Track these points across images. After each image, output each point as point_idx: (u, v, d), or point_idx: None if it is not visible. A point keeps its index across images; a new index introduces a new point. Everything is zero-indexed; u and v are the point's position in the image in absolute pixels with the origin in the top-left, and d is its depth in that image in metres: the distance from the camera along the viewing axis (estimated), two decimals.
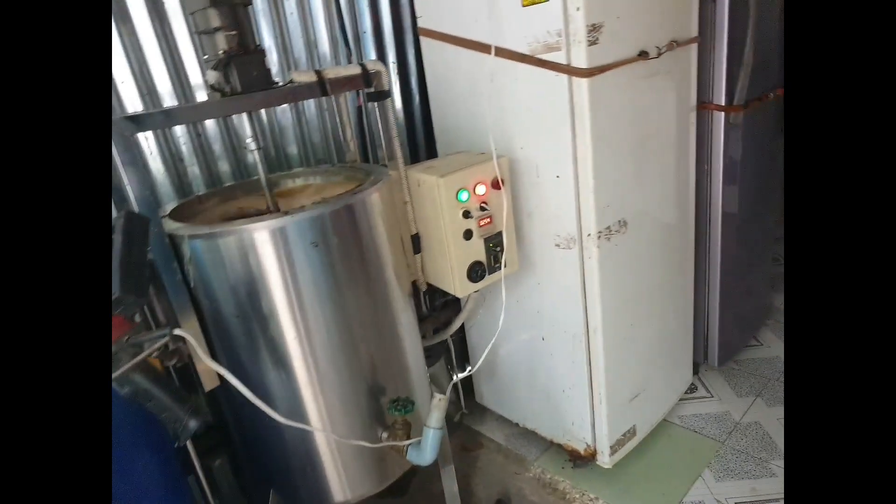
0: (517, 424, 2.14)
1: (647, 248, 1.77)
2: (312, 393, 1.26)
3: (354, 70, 1.33)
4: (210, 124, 1.66)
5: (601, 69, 1.42)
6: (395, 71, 2.03)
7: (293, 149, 1.85)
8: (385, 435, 1.34)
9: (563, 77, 1.43)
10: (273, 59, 1.75)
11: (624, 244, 1.66)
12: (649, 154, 1.68)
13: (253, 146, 1.28)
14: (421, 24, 1.76)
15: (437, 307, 2.03)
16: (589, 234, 1.57)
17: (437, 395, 1.28)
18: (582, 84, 1.41)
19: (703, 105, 1.90)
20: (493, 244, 1.53)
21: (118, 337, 1.08)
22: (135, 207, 1.07)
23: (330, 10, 1.83)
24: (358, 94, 1.87)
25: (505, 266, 1.56)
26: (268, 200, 1.33)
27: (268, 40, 1.73)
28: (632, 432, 1.91)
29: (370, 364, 1.34)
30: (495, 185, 1.49)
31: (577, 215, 1.56)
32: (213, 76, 1.22)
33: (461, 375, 2.16)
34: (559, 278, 1.69)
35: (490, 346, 1.75)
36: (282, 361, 1.22)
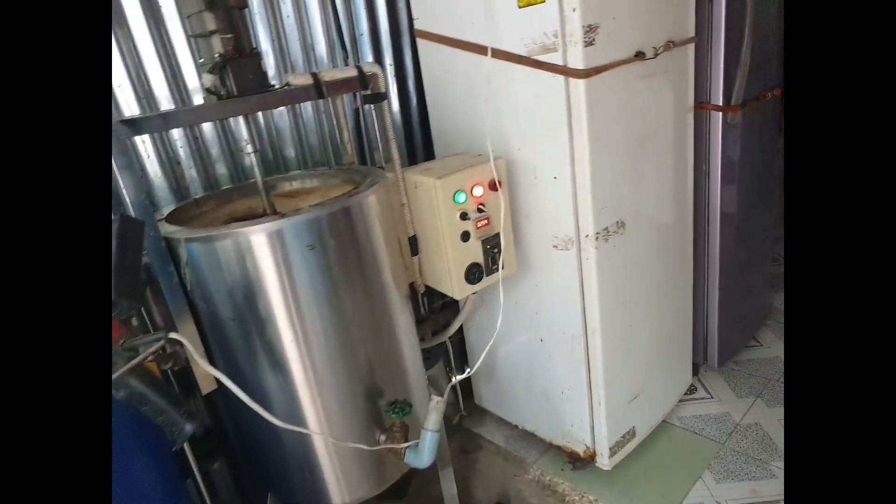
0: (516, 426, 2.14)
1: (645, 248, 1.77)
2: (310, 396, 1.26)
3: (351, 72, 1.33)
4: (207, 127, 1.66)
5: (598, 70, 1.42)
6: (392, 73, 2.03)
7: (290, 151, 1.85)
8: (383, 437, 1.34)
9: (560, 78, 1.42)
10: (270, 62, 1.75)
11: (622, 245, 1.66)
12: (647, 155, 1.68)
13: (250, 149, 1.27)
14: (417, 26, 1.76)
15: (435, 309, 2.04)
16: (587, 235, 1.57)
17: (435, 398, 1.27)
18: (579, 85, 1.41)
19: (701, 105, 1.90)
20: (491, 246, 1.53)
21: (114, 340, 1.08)
22: (131, 211, 1.07)
23: (326, 13, 1.83)
24: (355, 96, 1.87)
25: (503, 268, 1.56)
26: (265, 203, 1.33)
27: (264, 43, 1.74)
28: (631, 434, 1.91)
29: (368, 366, 1.33)
30: (493, 186, 1.49)
31: (575, 216, 1.56)
32: (209, 79, 1.22)
33: (460, 377, 2.16)
34: (557, 279, 1.69)
35: (488, 347, 1.75)
36: (279, 364, 1.22)
